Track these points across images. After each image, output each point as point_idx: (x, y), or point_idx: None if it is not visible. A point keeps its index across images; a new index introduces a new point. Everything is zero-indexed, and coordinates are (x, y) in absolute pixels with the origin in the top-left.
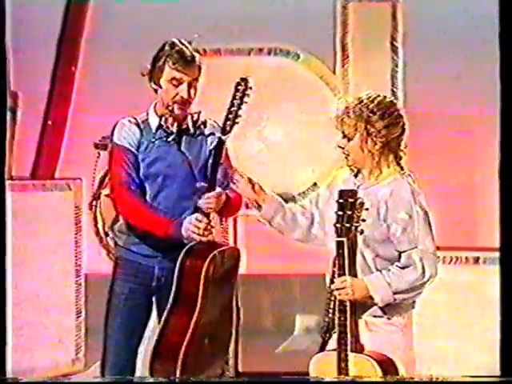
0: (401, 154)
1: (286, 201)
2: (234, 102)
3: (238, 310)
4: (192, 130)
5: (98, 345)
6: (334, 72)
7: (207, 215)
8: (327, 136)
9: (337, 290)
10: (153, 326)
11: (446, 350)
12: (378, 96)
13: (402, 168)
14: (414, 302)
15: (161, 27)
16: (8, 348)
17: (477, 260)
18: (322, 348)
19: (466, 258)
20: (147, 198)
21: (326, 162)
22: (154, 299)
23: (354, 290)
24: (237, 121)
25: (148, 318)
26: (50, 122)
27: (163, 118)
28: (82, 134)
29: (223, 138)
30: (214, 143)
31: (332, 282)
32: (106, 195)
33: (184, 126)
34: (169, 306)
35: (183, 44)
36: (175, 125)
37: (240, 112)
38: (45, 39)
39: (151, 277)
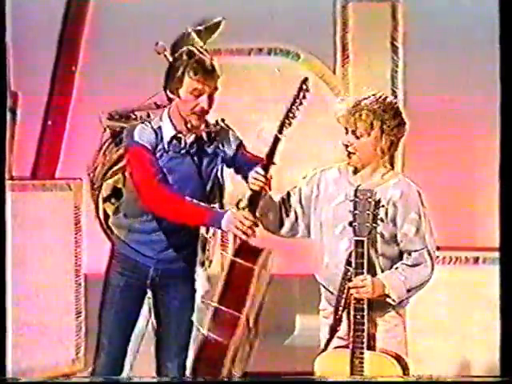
0: (395, 155)
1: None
2: (297, 101)
3: None
4: (206, 140)
5: None
6: (334, 72)
7: (254, 213)
8: (327, 136)
9: (355, 288)
10: (142, 324)
11: (446, 350)
12: (387, 97)
13: (393, 168)
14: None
15: (161, 27)
16: (8, 348)
17: (476, 260)
18: (326, 346)
19: (466, 257)
20: None
21: (326, 162)
22: (148, 292)
23: (373, 289)
24: (293, 121)
25: (140, 308)
26: (49, 122)
27: (178, 129)
28: (81, 134)
29: (279, 136)
30: (234, 147)
31: (346, 280)
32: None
33: (198, 135)
34: (214, 306)
35: (201, 52)
36: (190, 135)
37: (297, 113)
38: (45, 39)
39: (146, 275)
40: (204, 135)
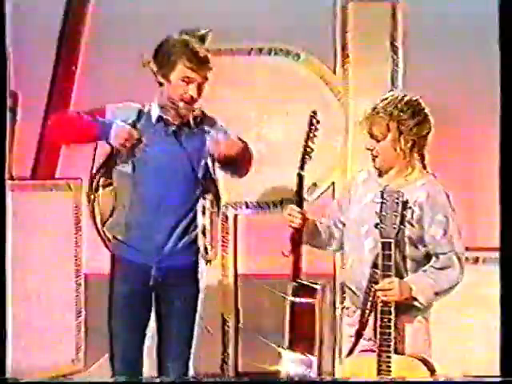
0: (425, 153)
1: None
2: (310, 135)
3: (237, 310)
4: (193, 125)
5: (98, 345)
6: (334, 72)
7: (299, 249)
8: (327, 136)
9: (382, 290)
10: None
11: (445, 350)
12: (405, 95)
13: (425, 167)
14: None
15: (161, 27)
16: (8, 348)
17: (476, 260)
18: (352, 350)
19: (466, 257)
20: (141, 186)
21: (326, 162)
22: (153, 295)
23: (401, 292)
24: (311, 155)
25: (149, 312)
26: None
27: (165, 112)
28: None
29: (302, 173)
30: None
31: (372, 282)
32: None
33: (185, 121)
34: (285, 349)
35: (196, 42)
36: (177, 119)
37: (313, 146)
38: (45, 39)
39: (149, 276)
40: (191, 120)
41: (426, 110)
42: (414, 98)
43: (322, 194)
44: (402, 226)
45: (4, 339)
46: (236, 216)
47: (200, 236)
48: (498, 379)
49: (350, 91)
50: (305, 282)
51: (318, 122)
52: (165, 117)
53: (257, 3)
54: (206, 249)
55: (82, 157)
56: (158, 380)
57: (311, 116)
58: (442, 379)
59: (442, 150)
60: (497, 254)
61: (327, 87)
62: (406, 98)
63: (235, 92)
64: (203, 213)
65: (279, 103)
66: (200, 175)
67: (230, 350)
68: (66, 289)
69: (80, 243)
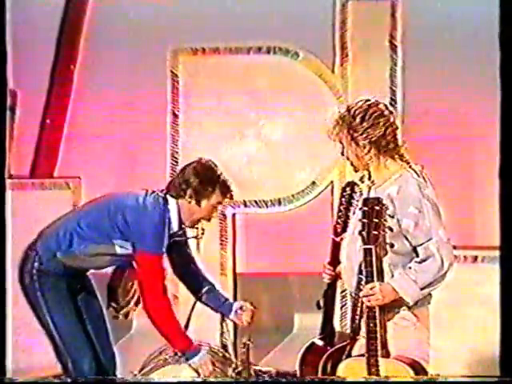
0: (400, 150)
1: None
2: (341, 207)
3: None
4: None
5: None
6: (333, 71)
7: (332, 312)
8: (325, 135)
9: (366, 296)
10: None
11: (445, 349)
12: (361, 101)
13: (407, 162)
14: (430, 296)
15: (160, 26)
16: (8, 347)
17: (475, 259)
18: (348, 354)
19: (465, 256)
20: None
21: (325, 161)
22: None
23: (383, 295)
24: (348, 221)
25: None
26: (48, 121)
27: (182, 224)
28: (80, 133)
29: (336, 239)
30: None
31: (359, 288)
32: None
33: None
34: None
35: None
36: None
37: (349, 213)
38: (44, 38)
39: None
40: None
41: (379, 112)
42: (368, 102)
43: (320, 192)
44: (382, 232)
45: (4, 339)
46: (234, 215)
47: None
48: (498, 379)
49: (348, 90)
50: (321, 342)
51: (352, 191)
52: (181, 231)
53: (256, 2)
54: None
55: (81, 156)
56: (156, 380)
57: (342, 187)
58: (441, 379)
59: (441, 149)
60: (496, 253)
61: (326, 86)
62: (359, 104)
63: (234, 91)
64: None
65: (278, 102)
66: None
67: (229, 350)
68: None
69: None
